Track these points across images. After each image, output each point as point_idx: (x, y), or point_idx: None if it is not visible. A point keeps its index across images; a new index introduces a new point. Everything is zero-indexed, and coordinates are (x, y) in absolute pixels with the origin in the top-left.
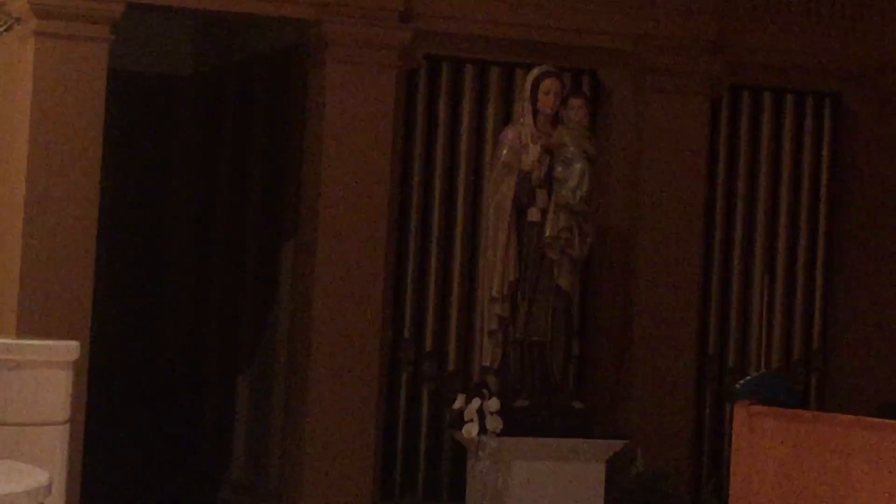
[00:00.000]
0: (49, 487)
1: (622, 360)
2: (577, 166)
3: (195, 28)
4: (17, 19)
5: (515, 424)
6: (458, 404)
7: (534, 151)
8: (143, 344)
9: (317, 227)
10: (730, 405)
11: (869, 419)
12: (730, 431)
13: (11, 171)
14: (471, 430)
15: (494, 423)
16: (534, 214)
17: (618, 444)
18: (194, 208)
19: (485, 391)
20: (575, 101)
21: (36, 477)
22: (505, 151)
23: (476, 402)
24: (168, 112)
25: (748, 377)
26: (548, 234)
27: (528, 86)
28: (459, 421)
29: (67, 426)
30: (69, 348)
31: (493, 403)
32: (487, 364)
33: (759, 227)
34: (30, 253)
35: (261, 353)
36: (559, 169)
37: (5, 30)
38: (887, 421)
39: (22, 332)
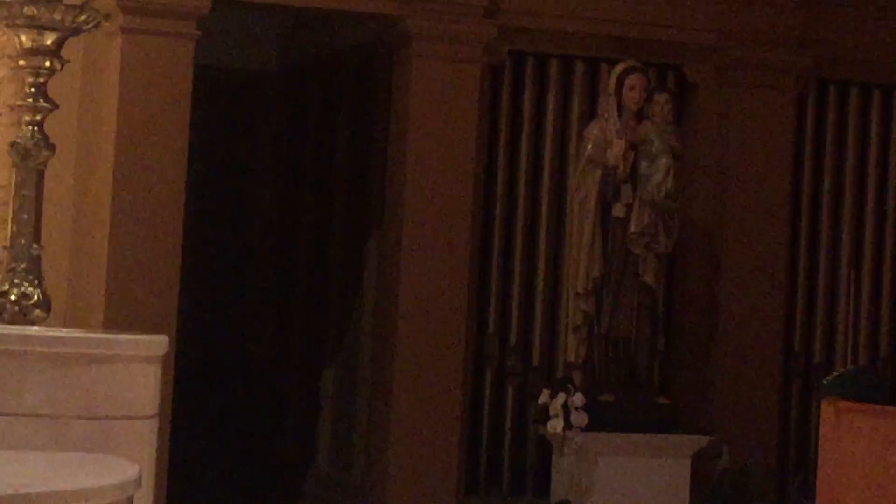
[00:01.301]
0: (139, 480)
1: (707, 355)
2: (663, 162)
3: (280, 24)
4: (105, 16)
5: (600, 420)
6: (542, 399)
7: (619, 147)
8: (228, 338)
9: (401, 222)
10: (816, 401)
11: None
12: (816, 427)
13: (98, 167)
14: (556, 425)
15: (579, 419)
16: (618, 210)
17: (703, 440)
18: (279, 203)
19: (570, 386)
20: (660, 97)
21: (126, 470)
22: (590, 147)
23: (561, 398)
24: (253, 108)
25: (835, 373)
26: (633, 229)
27: (613, 81)
28: (544, 416)
29: (156, 420)
30: (158, 343)
31: (578, 399)
32: (572, 359)
33: (845, 222)
34: (117, 248)
35: (346, 347)
36: (644, 164)
37: (93, 26)
38: None
39: (109, 327)
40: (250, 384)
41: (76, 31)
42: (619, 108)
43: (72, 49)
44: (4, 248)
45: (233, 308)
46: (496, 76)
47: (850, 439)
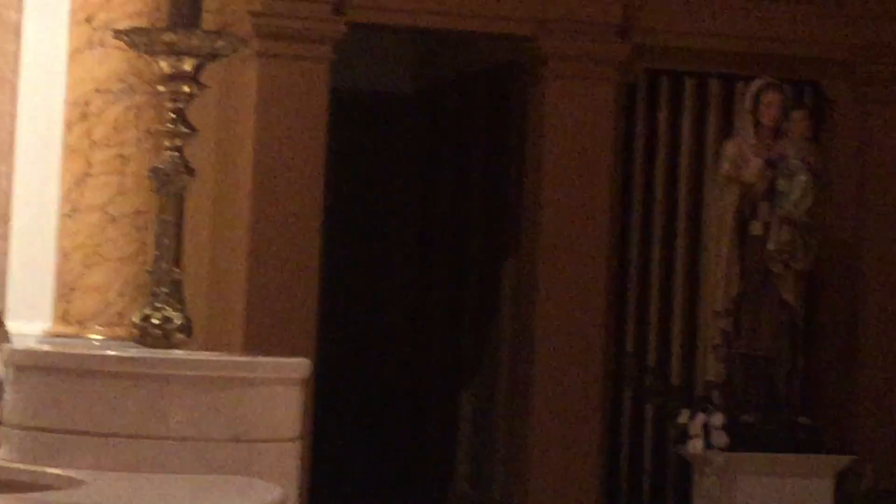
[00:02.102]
0: (283, 503)
1: (849, 373)
2: (800, 179)
3: (415, 46)
4: (243, 41)
5: (741, 440)
6: (682, 419)
7: (756, 164)
8: (366, 359)
9: (538, 241)
10: None
11: None
12: None
13: (236, 190)
14: (696, 445)
15: (720, 439)
16: (756, 228)
17: (846, 460)
18: (416, 224)
19: (709, 406)
20: (797, 114)
21: (271, 493)
22: (726, 164)
23: (701, 418)
24: (389, 130)
25: None
26: (771, 247)
27: (749, 98)
28: (684, 436)
29: (298, 443)
30: (301, 365)
31: (718, 418)
32: (711, 378)
33: None
34: (255, 271)
35: (483, 368)
36: (781, 182)
37: (231, 52)
38: None
39: (249, 349)
40: (388, 406)
41: (214, 57)
42: (756, 125)
43: (209, 74)
44: (147, 272)
45: (369, 329)
46: (631, 95)
47: None
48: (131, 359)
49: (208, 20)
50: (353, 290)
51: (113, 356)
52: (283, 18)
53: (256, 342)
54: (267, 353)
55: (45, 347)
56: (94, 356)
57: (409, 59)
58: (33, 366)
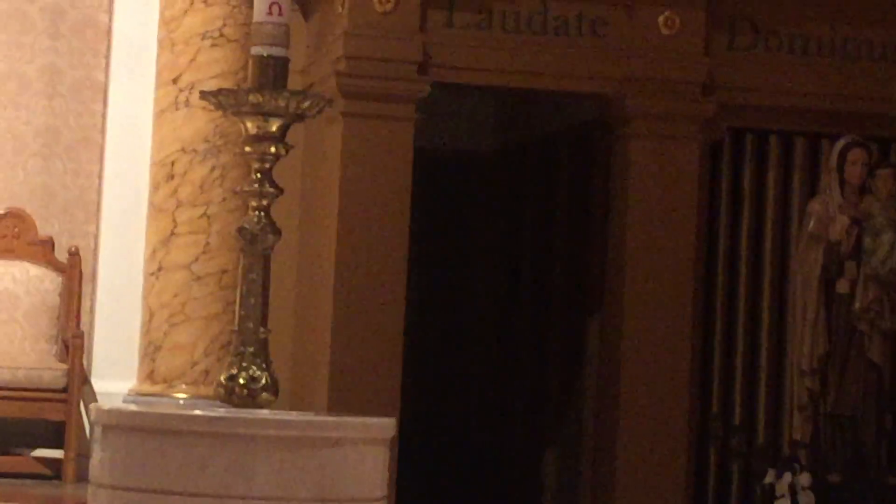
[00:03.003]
0: None
1: None
2: (887, 237)
3: (497, 105)
4: (329, 101)
5: (828, 500)
6: (768, 479)
7: (841, 222)
8: (449, 419)
9: (622, 299)
10: None
11: None
12: None
13: (320, 249)
14: None
15: (807, 499)
16: (843, 286)
17: None
18: (499, 282)
19: (796, 466)
20: (883, 171)
21: None
22: (812, 222)
23: (787, 478)
24: (472, 188)
25: None
26: (857, 306)
27: (834, 156)
28: (770, 496)
29: (384, 503)
30: (386, 425)
31: (805, 479)
32: (798, 438)
33: None
34: (340, 329)
35: (567, 429)
36: (868, 240)
37: (317, 112)
38: None
39: (333, 409)
40: (472, 467)
41: (300, 118)
42: (842, 183)
43: (293, 133)
44: (232, 331)
45: (452, 389)
46: (716, 153)
47: None
48: (218, 419)
49: (293, 80)
50: (436, 350)
51: (200, 416)
52: (368, 79)
53: (340, 401)
54: (351, 412)
55: (132, 407)
56: (181, 416)
57: (492, 118)
58: (121, 425)
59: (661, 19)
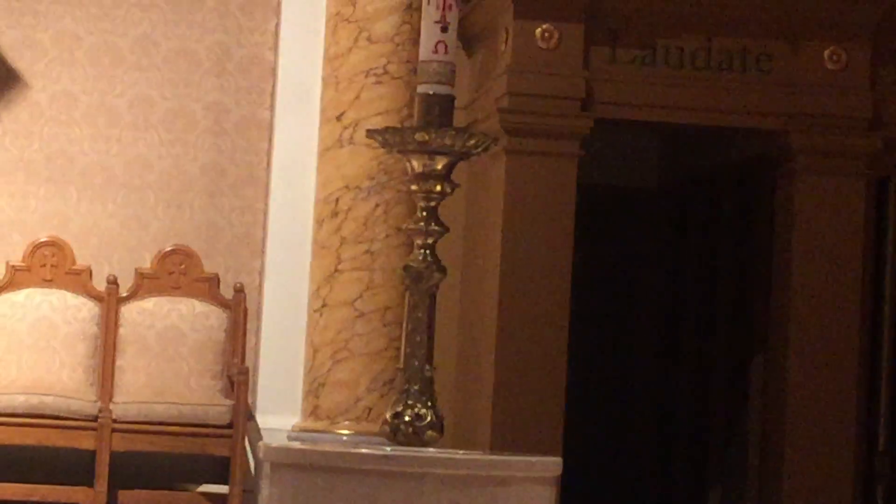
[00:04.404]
0: None
1: None
2: None
3: (661, 141)
4: (494, 139)
5: None
6: None
7: None
8: (610, 458)
9: (787, 336)
10: None
11: None
12: None
13: (483, 284)
14: None
15: None
16: None
17: None
18: (661, 318)
19: None
20: None
21: None
22: None
23: None
24: (635, 224)
25: None
26: None
27: None
28: None
29: None
30: (553, 464)
31: None
32: None
33: None
34: (503, 367)
35: (730, 471)
36: None
37: (482, 150)
38: None
39: (496, 447)
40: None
41: (466, 156)
42: None
43: (456, 170)
44: (397, 368)
45: (614, 428)
46: (882, 188)
47: None
48: (388, 457)
49: (456, 116)
50: (597, 384)
51: (370, 454)
52: (531, 115)
53: (503, 439)
54: (514, 451)
55: (300, 445)
56: (351, 454)
57: (655, 154)
58: (289, 463)
59: (826, 54)
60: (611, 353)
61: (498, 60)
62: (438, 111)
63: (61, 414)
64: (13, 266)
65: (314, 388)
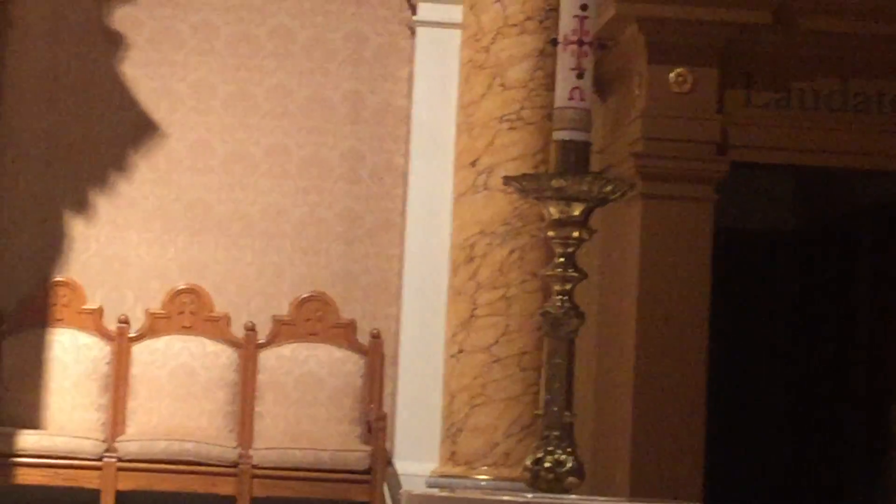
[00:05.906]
0: None
1: None
2: None
3: (796, 183)
4: (631, 185)
5: None
6: None
7: None
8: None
9: None
10: None
11: None
12: None
13: (620, 329)
14: None
15: None
16: None
17: None
18: (796, 360)
19: None
20: None
21: None
22: None
23: None
24: (771, 267)
25: None
26: None
27: None
28: None
29: None
30: None
31: None
32: None
33: None
34: (640, 411)
35: None
36: None
37: (619, 196)
38: None
39: (634, 493)
40: None
41: (603, 202)
42: None
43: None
44: (536, 414)
45: (750, 470)
46: None
47: None
48: (529, 503)
49: (591, 161)
50: (735, 427)
51: (513, 501)
52: (666, 159)
53: (642, 484)
54: (653, 494)
55: (442, 492)
56: (493, 501)
57: (791, 197)
58: None
59: None
60: (747, 396)
61: (632, 105)
62: (575, 157)
63: (202, 460)
64: (153, 313)
65: (451, 434)
